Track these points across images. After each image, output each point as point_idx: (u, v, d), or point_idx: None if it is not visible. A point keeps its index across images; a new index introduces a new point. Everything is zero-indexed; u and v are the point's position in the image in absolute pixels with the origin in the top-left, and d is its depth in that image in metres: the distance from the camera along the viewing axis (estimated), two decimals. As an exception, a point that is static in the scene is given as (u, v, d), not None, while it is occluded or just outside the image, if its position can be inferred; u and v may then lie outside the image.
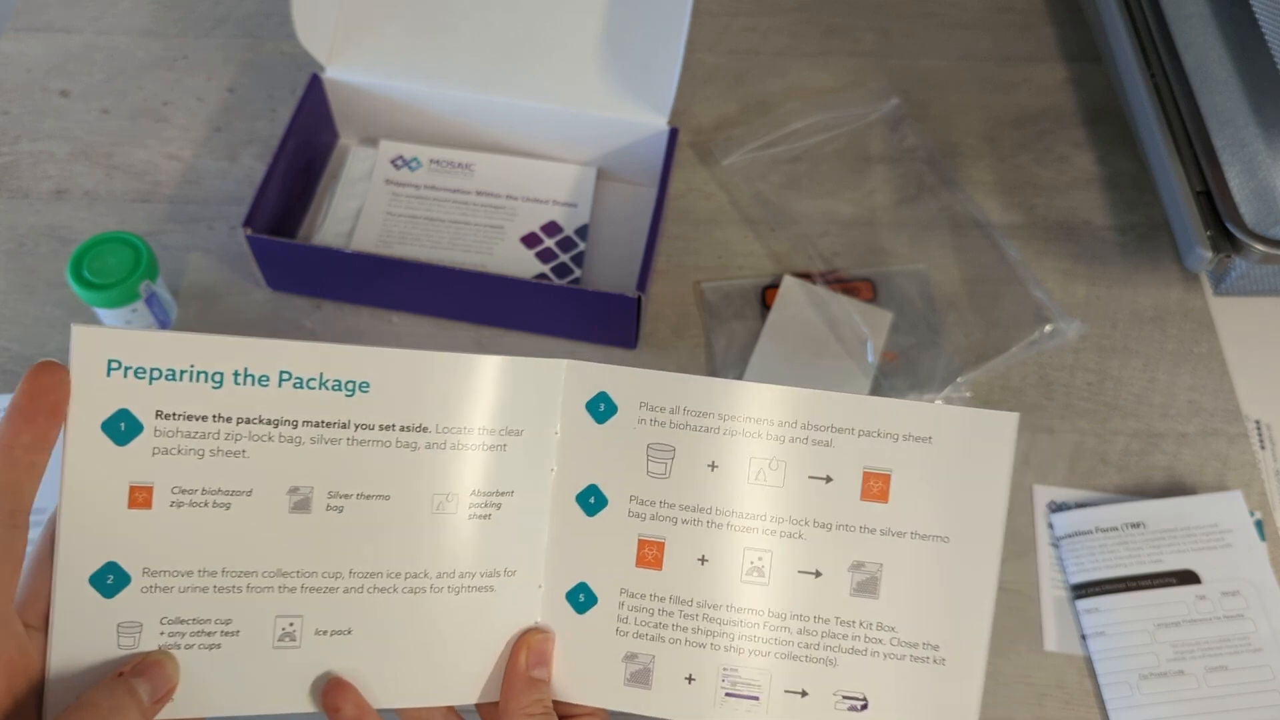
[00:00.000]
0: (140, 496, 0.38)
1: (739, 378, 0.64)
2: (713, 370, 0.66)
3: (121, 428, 0.38)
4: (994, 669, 0.57)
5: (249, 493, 0.39)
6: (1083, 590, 0.58)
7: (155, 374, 0.38)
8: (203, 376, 0.38)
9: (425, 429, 0.40)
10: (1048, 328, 0.66)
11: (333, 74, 0.69)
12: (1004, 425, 0.41)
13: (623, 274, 0.69)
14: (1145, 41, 0.71)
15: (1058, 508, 0.62)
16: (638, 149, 0.70)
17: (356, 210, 0.70)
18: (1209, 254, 0.62)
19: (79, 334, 0.37)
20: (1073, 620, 0.58)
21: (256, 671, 0.39)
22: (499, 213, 0.70)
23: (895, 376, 0.65)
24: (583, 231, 0.70)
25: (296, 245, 0.63)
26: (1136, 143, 0.75)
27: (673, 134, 0.67)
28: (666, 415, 0.41)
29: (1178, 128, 0.67)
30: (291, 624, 0.40)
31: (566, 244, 0.69)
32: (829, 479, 0.41)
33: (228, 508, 0.39)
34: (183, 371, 0.38)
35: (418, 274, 0.63)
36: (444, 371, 0.40)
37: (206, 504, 0.39)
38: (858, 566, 0.41)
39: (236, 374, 0.38)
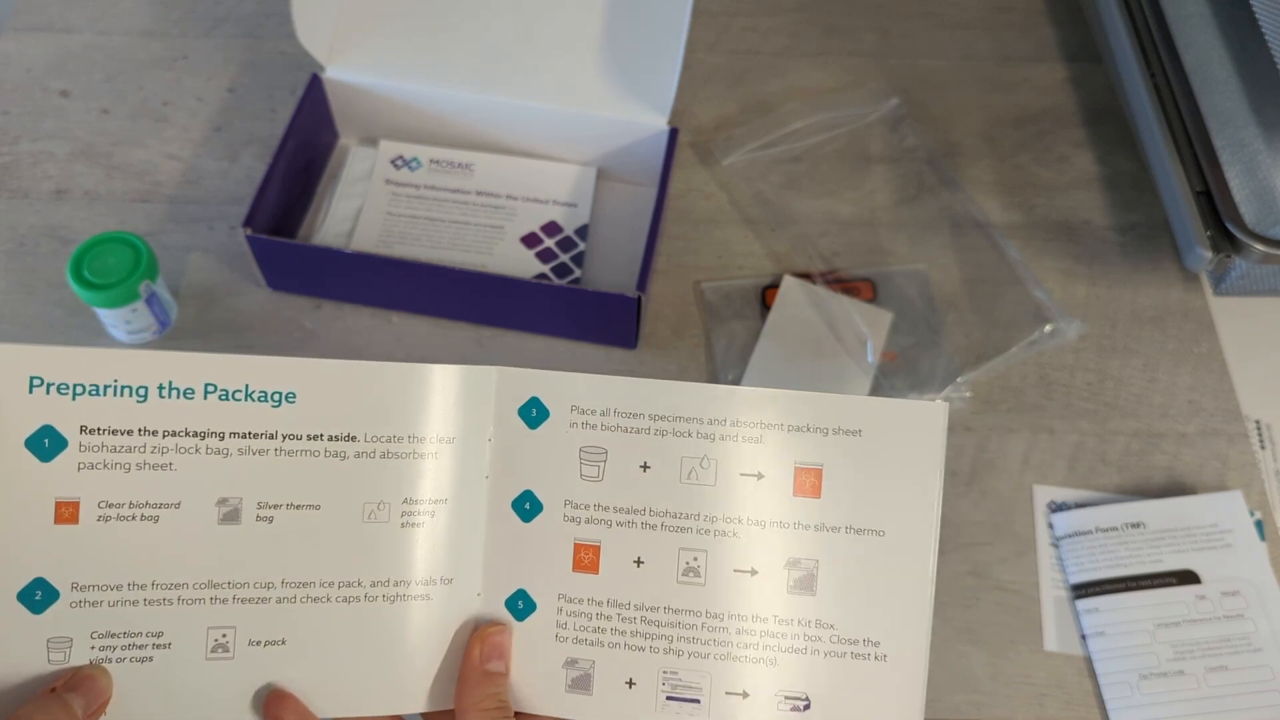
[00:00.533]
0: (66, 512, 0.38)
1: (739, 378, 0.64)
2: (713, 370, 0.66)
3: (45, 444, 0.38)
4: (994, 669, 0.57)
5: (177, 505, 0.39)
6: (1083, 590, 0.58)
7: (79, 389, 0.38)
8: (127, 391, 0.38)
9: (354, 438, 0.40)
10: (1048, 328, 0.66)
11: (333, 74, 0.69)
12: (934, 415, 0.41)
13: (623, 274, 0.69)
14: (1145, 41, 0.71)
15: (1058, 508, 0.62)
16: (638, 149, 0.70)
17: (356, 210, 0.70)
18: (1209, 254, 0.62)
19: (1, 352, 0.37)
20: (1073, 620, 0.58)
21: (191, 683, 0.39)
22: (499, 213, 0.70)
23: (895, 376, 0.65)
24: (583, 231, 0.70)
25: (296, 245, 0.63)
26: (1136, 143, 0.75)
27: (673, 134, 0.67)
28: (598, 418, 0.41)
29: (1178, 128, 0.67)
30: (224, 635, 0.40)
31: (566, 244, 0.69)
32: (760, 475, 0.41)
33: (156, 520, 0.39)
34: (106, 386, 0.38)
35: (418, 274, 0.63)
36: (371, 381, 0.40)
37: (134, 517, 0.39)
38: (793, 563, 0.41)
39: (161, 387, 0.38)
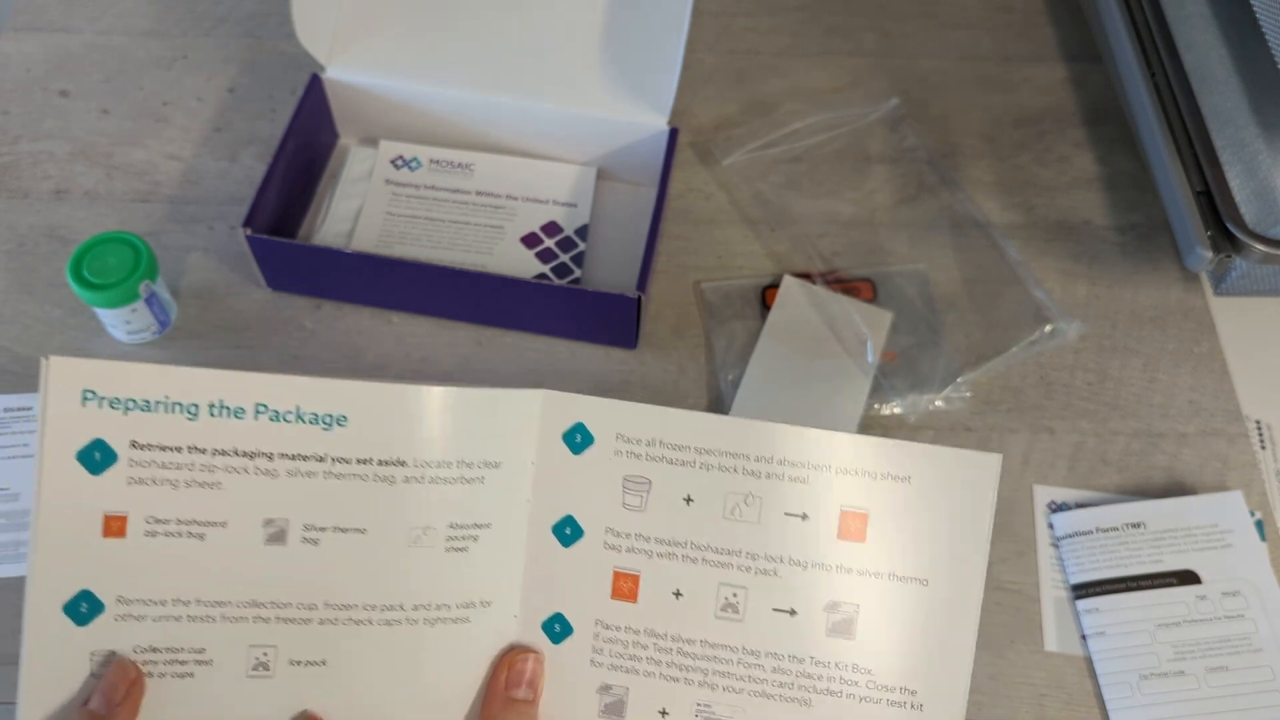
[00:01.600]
0: (115, 525, 0.38)
1: (739, 378, 0.64)
2: (713, 370, 0.66)
3: (96, 457, 0.38)
4: (994, 669, 0.57)
5: (224, 524, 0.39)
6: (1083, 590, 0.58)
7: (130, 405, 0.38)
8: (178, 408, 0.38)
9: (403, 463, 0.40)
10: (1048, 328, 0.66)
11: (333, 74, 0.69)
12: (986, 466, 0.40)
13: (623, 274, 0.69)
14: (1145, 41, 0.71)
15: (1058, 508, 0.62)
16: (638, 149, 0.70)
17: (356, 210, 0.70)
18: (1209, 254, 0.62)
19: (55, 364, 0.37)
20: (1073, 620, 0.58)
21: (230, 700, 0.39)
22: (499, 213, 0.70)
23: (895, 376, 0.65)
24: (583, 232, 0.70)
25: (296, 245, 0.63)
26: (1136, 143, 0.75)
27: (673, 134, 0.67)
28: (643, 448, 0.41)
29: (1178, 128, 0.67)
30: (265, 654, 0.40)
31: (566, 244, 0.69)
32: (805, 516, 0.41)
33: (202, 538, 0.39)
34: (158, 403, 0.38)
35: (418, 274, 0.63)
36: (421, 406, 0.40)
37: (181, 534, 0.39)
38: (833, 607, 0.41)
39: (212, 406, 0.38)
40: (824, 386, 0.64)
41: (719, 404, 0.64)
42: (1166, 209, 0.68)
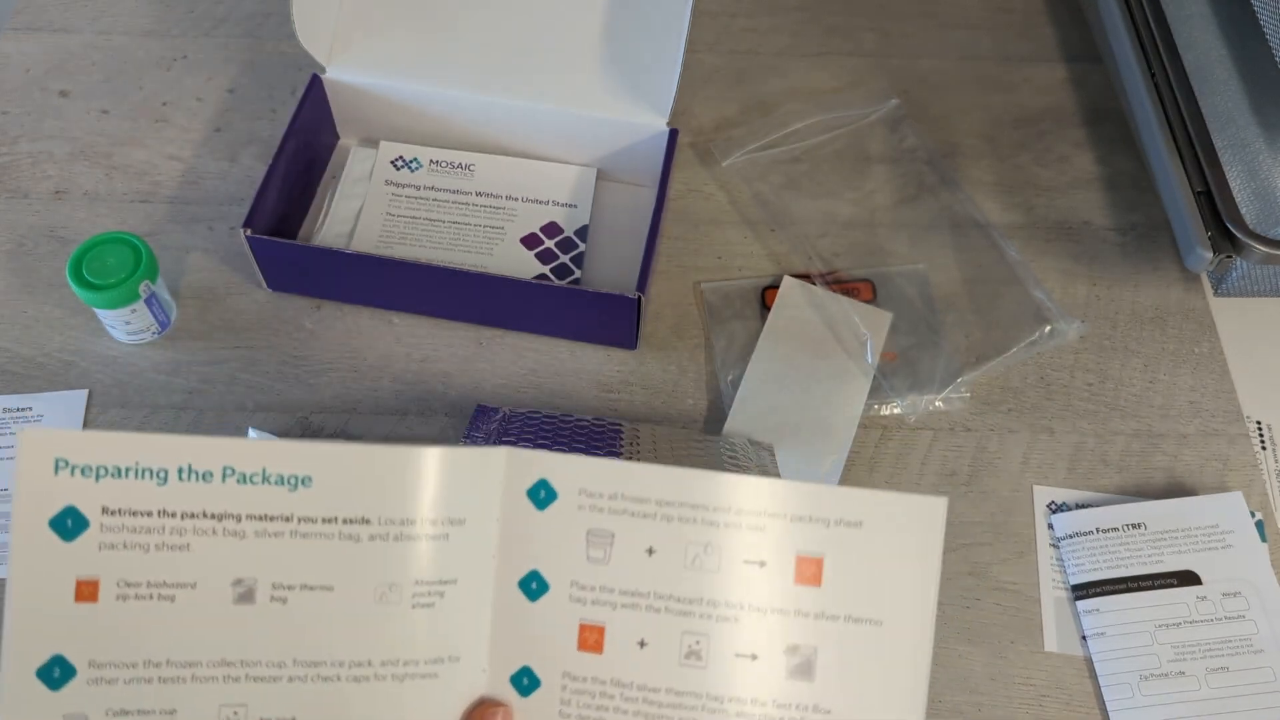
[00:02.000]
0: (86, 590, 0.39)
1: (739, 378, 0.64)
2: (713, 371, 0.66)
3: (68, 524, 0.38)
4: (994, 669, 0.57)
5: (193, 585, 0.40)
6: (1083, 591, 0.58)
7: (102, 471, 0.39)
8: (148, 474, 0.39)
9: (368, 521, 0.41)
10: (1048, 328, 0.66)
11: (333, 74, 0.69)
12: (933, 509, 0.41)
13: (623, 274, 0.69)
14: (1145, 41, 0.71)
15: (1058, 508, 0.62)
16: (638, 150, 0.70)
17: (356, 211, 0.70)
18: (1210, 254, 0.62)
19: (26, 438, 0.38)
20: (1073, 621, 0.58)
21: None
22: (499, 213, 0.70)
23: (895, 377, 0.65)
24: (583, 232, 0.70)
25: (296, 246, 0.63)
26: (1136, 143, 0.75)
27: (672, 135, 0.67)
28: (605, 501, 0.42)
29: (1178, 128, 0.67)
30: (236, 713, 0.40)
31: (566, 245, 0.69)
32: (763, 563, 0.42)
33: (172, 600, 0.39)
34: (128, 469, 0.39)
35: (418, 275, 0.63)
36: (385, 465, 0.41)
37: (151, 596, 0.39)
38: (793, 650, 0.42)
39: (181, 470, 0.39)
40: (824, 387, 0.64)
41: (719, 404, 0.64)
42: (1166, 209, 0.68)
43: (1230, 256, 0.63)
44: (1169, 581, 0.58)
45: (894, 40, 0.82)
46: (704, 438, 0.61)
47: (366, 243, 0.68)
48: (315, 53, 0.67)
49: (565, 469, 0.42)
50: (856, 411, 0.63)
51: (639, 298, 0.61)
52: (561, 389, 0.65)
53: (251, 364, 0.65)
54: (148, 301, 0.62)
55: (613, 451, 0.58)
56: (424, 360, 0.65)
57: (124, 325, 0.63)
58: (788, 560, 0.42)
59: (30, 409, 0.62)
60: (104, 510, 0.39)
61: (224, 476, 0.39)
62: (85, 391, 0.63)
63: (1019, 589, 0.59)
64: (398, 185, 0.71)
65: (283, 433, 0.61)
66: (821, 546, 0.42)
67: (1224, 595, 0.57)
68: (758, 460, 0.60)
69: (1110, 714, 0.55)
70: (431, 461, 0.41)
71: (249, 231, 0.62)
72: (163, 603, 0.39)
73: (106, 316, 0.62)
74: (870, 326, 0.66)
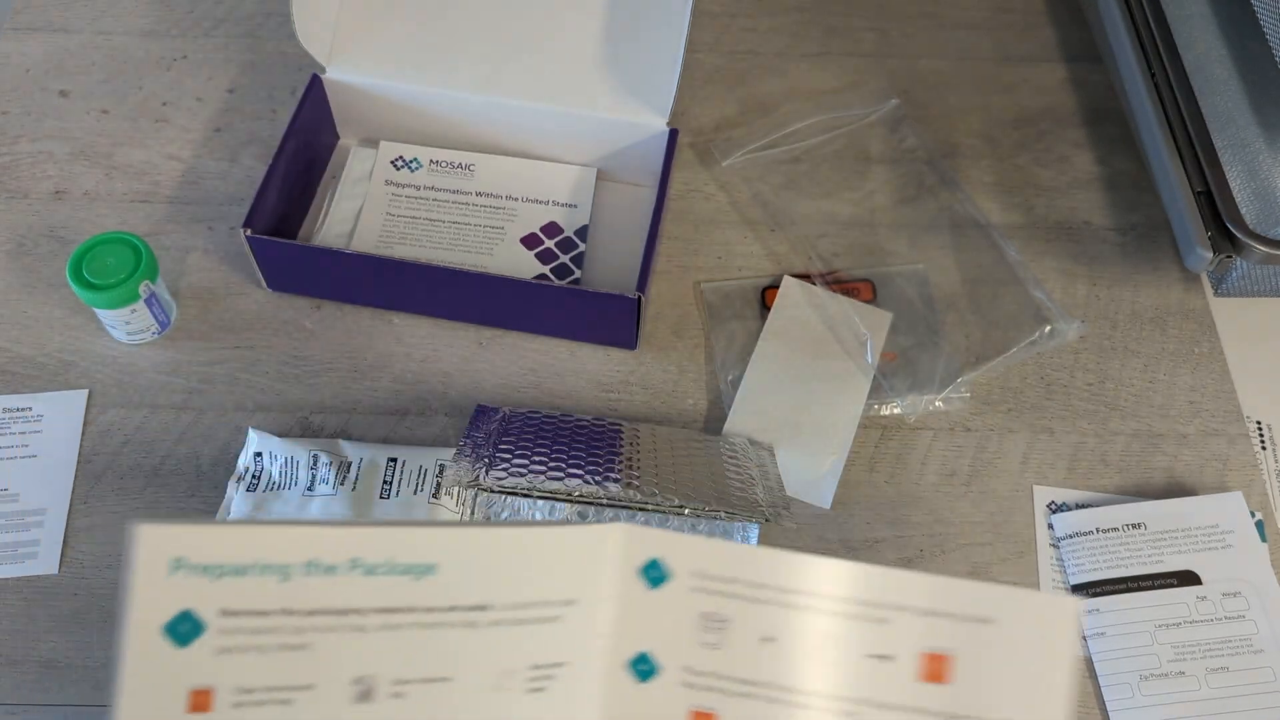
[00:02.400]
0: (200, 700, 0.36)
1: (739, 378, 0.64)
2: (713, 371, 0.66)
3: (183, 629, 0.36)
4: (994, 670, 0.57)
5: (312, 686, 0.37)
6: (1083, 591, 0.58)
7: (221, 570, 0.36)
8: (271, 570, 0.36)
9: (487, 607, 0.39)
10: (1047, 328, 0.66)
11: (333, 74, 0.69)
12: (1066, 610, 0.40)
13: (623, 274, 0.69)
14: (1145, 41, 0.71)
15: (1058, 508, 0.62)
16: (638, 150, 0.70)
17: (356, 211, 0.70)
18: (1210, 254, 0.62)
19: (144, 533, 0.35)
20: (1073, 621, 0.58)
21: None
22: (499, 214, 0.70)
23: (895, 377, 0.65)
24: (583, 232, 0.70)
25: (296, 246, 0.63)
26: (1136, 143, 0.75)
27: (672, 135, 0.67)
28: (721, 584, 0.40)
29: (1178, 128, 0.67)
30: None
31: (566, 245, 0.69)
32: (886, 658, 0.40)
33: (289, 703, 0.37)
34: (249, 566, 0.36)
35: (418, 275, 0.63)
36: (506, 548, 0.39)
37: (267, 702, 0.37)
38: None
39: (308, 564, 0.37)
40: (824, 387, 0.64)
41: (719, 404, 0.64)
42: (1166, 209, 0.68)
43: (1230, 256, 0.63)
44: (1169, 581, 0.58)
45: (894, 40, 0.82)
46: (704, 438, 0.61)
47: (366, 243, 0.68)
48: (315, 53, 0.67)
49: (680, 548, 0.40)
50: (857, 411, 0.64)
51: (639, 298, 0.61)
52: (561, 389, 0.65)
53: (251, 364, 0.65)
54: (148, 301, 0.62)
55: (613, 451, 0.58)
56: (424, 360, 0.65)
57: (124, 325, 0.63)
58: (913, 656, 0.40)
59: (30, 409, 0.62)
60: (223, 612, 0.36)
61: (350, 569, 0.37)
62: (85, 391, 0.63)
63: (1019, 589, 0.59)
64: (398, 185, 0.71)
65: (283, 432, 0.61)
66: (949, 643, 0.40)
67: (1224, 595, 0.57)
68: (757, 460, 0.60)
69: (1110, 714, 0.55)
70: (550, 541, 0.39)
71: (249, 231, 0.62)
72: (279, 707, 0.36)
73: (106, 316, 0.62)
74: (870, 326, 0.66)
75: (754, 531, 0.57)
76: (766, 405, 0.64)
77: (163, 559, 0.35)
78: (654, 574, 0.41)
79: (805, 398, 0.64)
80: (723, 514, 0.54)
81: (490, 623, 0.39)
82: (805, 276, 0.69)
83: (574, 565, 0.40)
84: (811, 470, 0.62)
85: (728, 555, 0.40)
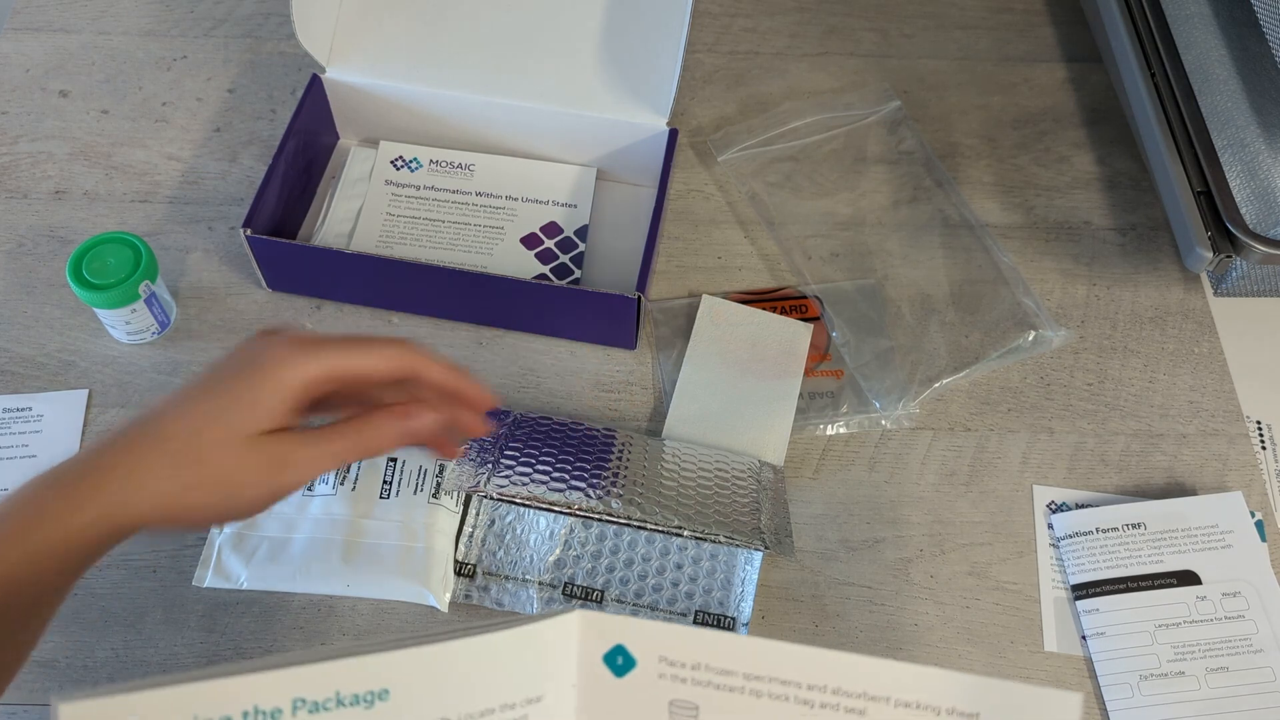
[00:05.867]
0: None
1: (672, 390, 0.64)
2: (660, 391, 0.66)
3: None
4: (994, 669, 0.57)
5: None
6: (1083, 590, 0.58)
7: None
8: None
9: None
10: (1030, 335, 0.66)
11: (333, 74, 0.69)
12: (1066, 706, 0.37)
13: (623, 274, 0.69)
14: (1145, 41, 0.71)
15: (1058, 508, 0.62)
16: (637, 150, 0.70)
17: (356, 211, 0.70)
18: (1209, 254, 0.62)
19: (65, 713, 0.33)
20: (1073, 620, 0.58)
21: None
22: (499, 213, 0.70)
23: (840, 394, 0.64)
24: (582, 232, 0.70)
25: (296, 246, 0.63)
26: (1136, 143, 0.75)
27: (672, 135, 0.67)
28: (688, 672, 0.39)
29: (1178, 128, 0.67)
30: None
31: (566, 244, 0.69)
32: None
33: None
34: None
35: (418, 275, 0.63)
36: (461, 660, 0.38)
37: None
38: None
39: (245, 714, 0.35)
40: (752, 401, 0.63)
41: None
42: (1166, 209, 0.68)
43: (1230, 256, 0.63)
44: (1169, 581, 0.58)
45: (894, 40, 0.82)
46: (714, 452, 0.61)
47: (366, 243, 0.68)
48: (315, 53, 0.67)
49: (644, 635, 0.39)
50: (786, 429, 0.62)
51: (639, 298, 0.61)
52: (561, 389, 0.65)
53: (251, 364, 0.65)
54: (148, 301, 0.62)
55: (602, 461, 0.57)
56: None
57: (124, 325, 0.63)
58: None
59: (30, 409, 0.62)
60: None
61: (294, 710, 0.35)
62: (85, 391, 0.63)
63: (1019, 589, 0.59)
64: (398, 185, 0.71)
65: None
66: None
67: (1224, 595, 0.57)
68: (765, 482, 0.59)
69: (1110, 714, 0.55)
70: (506, 645, 0.38)
71: (249, 231, 0.62)
72: None
73: (106, 316, 0.62)
74: (799, 342, 0.65)
75: (757, 560, 0.57)
76: (697, 431, 0.62)
77: None
78: (619, 661, 0.40)
79: (733, 420, 0.63)
80: (723, 538, 0.54)
81: None
82: (771, 290, 0.68)
83: (535, 661, 0.39)
84: None
85: (693, 641, 0.39)
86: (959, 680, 0.38)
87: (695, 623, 0.57)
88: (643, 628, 0.39)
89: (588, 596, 0.57)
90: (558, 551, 0.58)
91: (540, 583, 0.58)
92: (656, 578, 0.58)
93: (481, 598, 0.57)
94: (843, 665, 0.38)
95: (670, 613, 0.57)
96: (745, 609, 0.57)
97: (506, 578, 0.58)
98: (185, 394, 0.42)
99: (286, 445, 0.42)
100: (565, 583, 0.58)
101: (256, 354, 0.42)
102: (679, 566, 0.58)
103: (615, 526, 0.58)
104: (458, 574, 0.58)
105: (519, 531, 0.59)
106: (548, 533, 0.58)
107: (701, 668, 0.39)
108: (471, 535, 0.58)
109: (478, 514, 0.59)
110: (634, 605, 0.57)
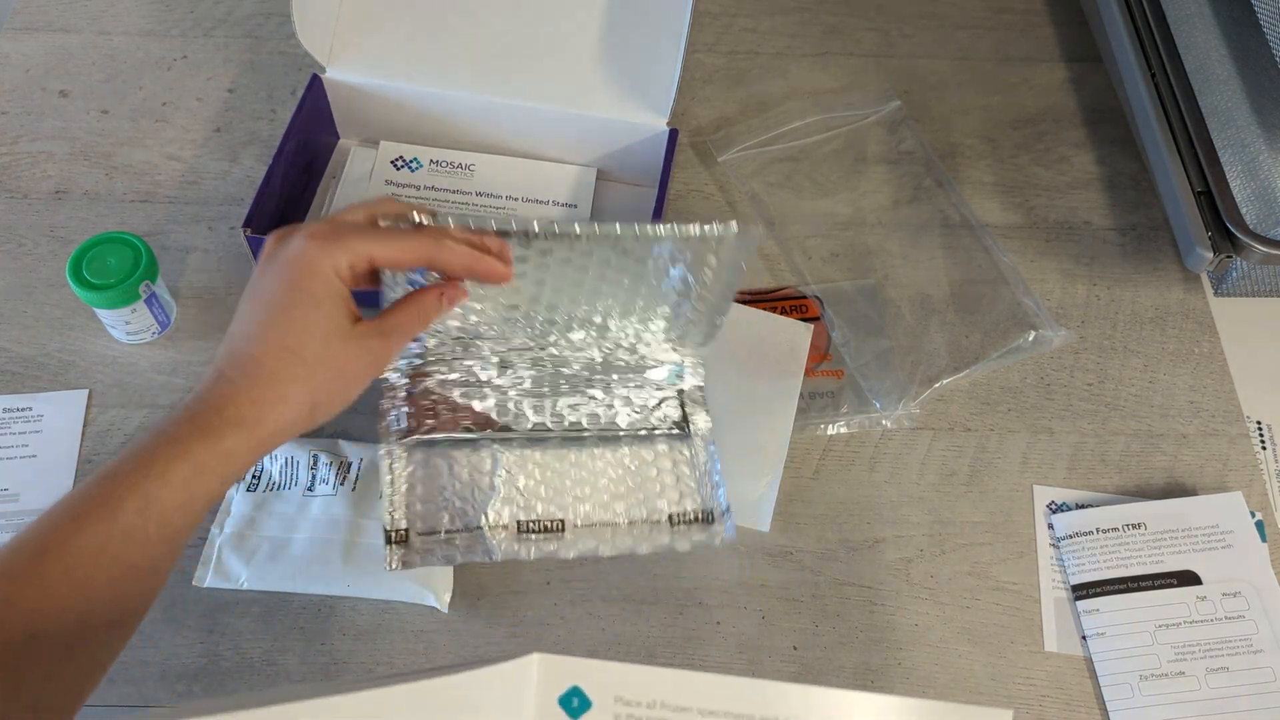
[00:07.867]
0: None
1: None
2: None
3: None
4: (994, 669, 0.57)
5: None
6: (1083, 591, 0.58)
7: None
8: None
9: None
10: (1031, 335, 0.66)
11: (333, 74, 0.69)
12: None
13: (623, 274, 0.69)
14: (1145, 41, 0.71)
15: (1058, 508, 0.62)
16: (638, 150, 0.70)
17: (356, 210, 0.70)
18: (1209, 254, 0.62)
19: None
20: (1073, 621, 0.58)
21: None
22: (499, 214, 0.70)
23: (840, 394, 0.64)
24: (583, 232, 0.70)
25: (296, 246, 0.63)
26: (1136, 143, 0.75)
27: (672, 135, 0.67)
28: (644, 710, 0.39)
29: (1178, 128, 0.67)
30: None
31: (566, 244, 0.69)
32: None
33: None
34: None
35: (418, 274, 0.63)
36: (425, 700, 0.38)
37: None
38: None
39: None
40: (752, 401, 0.63)
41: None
42: (1166, 209, 0.68)
43: (1230, 256, 0.63)
44: (1169, 581, 0.58)
45: (894, 40, 0.82)
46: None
47: (366, 243, 0.68)
48: (315, 53, 0.67)
49: (598, 675, 0.39)
50: (786, 431, 0.62)
51: (639, 298, 0.61)
52: (561, 389, 0.65)
53: (251, 364, 0.65)
54: (148, 301, 0.62)
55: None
56: (424, 360, 0.65)
57: (124, 325, 0.63)
58: None
59: (30, 409, 0.62)
60: None
61: None
62: (85, 391, 0.63)
63: (1019, 589, 0.59)
64: (398, 185, 0.71)
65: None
66: None
67: (1224, 595, 0.57)
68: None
69: (1110, 714, 0.55)
70: (461, 690, 0.38)
71: (249, 231, 0.62)
72: None
73: (106, 316, 0.62)
74: (804, 343, 0.65)
75: (714, 450, 0.57)
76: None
77: None
78: (574, 703, 0.40)
79: (734, 421, 0.62)
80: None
81: None
82: (771, 290, 0.68)
83: (493, 706, 0.39)
84: (748, 493, 0.60)
85: (647, 679, 0.39)
86: (908, 707, 0.39)
87: (671, 525, 0.56)
88: (598, 668, 0.39)
89: (548, 530, 0.55)
90: (503, 491, 0.56)
91: (492, 526, 0.55)
92: (612, 489, 0.57)
93: (426, 560, 0.54)
94: (794, 697, 0.39)
95: (648, 522, 0.56)
96: (721, 495, 0.56)
97: (449, 531, 0.55)
98: (258, 323, 0.48)
99: (370, 331, 0.48)
100: (519, 521, 0.55)
101: (290, 263, 0.47)
102: (635, 468, 0.57)
103: (546, 447, 0.57)
104: (388, 543, 0.54)
105: (449, 474, 0.56)
106: (483, 469, 0.56)
107: (657, 705, 0.39)
108: (392, 499, 0.55)
109: (392, 477, 0.56)
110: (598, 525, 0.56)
